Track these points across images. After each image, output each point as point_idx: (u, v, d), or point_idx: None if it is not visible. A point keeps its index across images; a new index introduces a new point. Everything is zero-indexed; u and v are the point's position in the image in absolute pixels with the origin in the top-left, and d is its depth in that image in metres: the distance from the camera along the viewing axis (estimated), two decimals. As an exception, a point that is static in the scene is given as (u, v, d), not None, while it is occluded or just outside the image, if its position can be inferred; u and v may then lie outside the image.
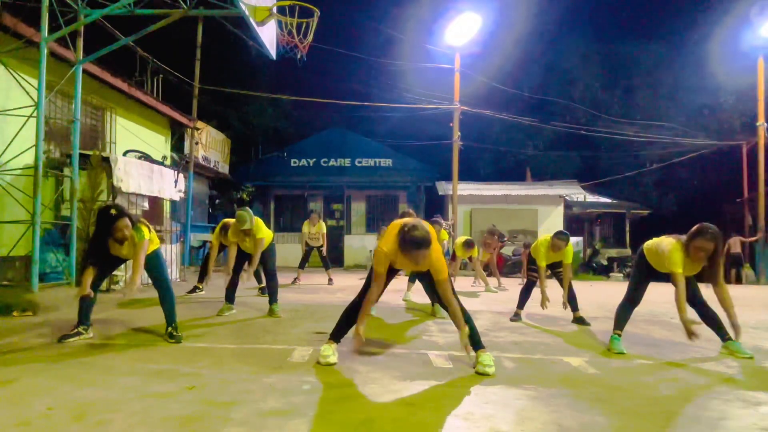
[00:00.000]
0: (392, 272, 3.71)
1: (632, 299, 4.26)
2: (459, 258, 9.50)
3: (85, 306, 4.17)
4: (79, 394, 2.71)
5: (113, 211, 3.93)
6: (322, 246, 9.68)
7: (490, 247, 11.65)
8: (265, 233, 5.66)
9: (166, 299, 4.23)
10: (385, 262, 3.41)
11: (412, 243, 3.23)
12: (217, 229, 7.12)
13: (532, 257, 5.85)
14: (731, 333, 4.01)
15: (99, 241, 4.03)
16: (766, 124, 14.99)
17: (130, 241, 4.02)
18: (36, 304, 5.50)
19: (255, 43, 8.42)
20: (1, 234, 7.00)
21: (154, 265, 4.25)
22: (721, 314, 4.17)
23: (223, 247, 7.42)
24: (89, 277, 4.01)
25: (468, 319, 3.55)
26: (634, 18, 26.61)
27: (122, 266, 7.20)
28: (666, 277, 4.15)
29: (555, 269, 5.75)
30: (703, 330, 4.43)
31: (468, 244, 9.17)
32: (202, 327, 4.86)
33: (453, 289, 3.54)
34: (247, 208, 5.80)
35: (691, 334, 3.70)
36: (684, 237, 3.89)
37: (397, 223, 3.52)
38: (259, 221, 5.65)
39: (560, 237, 5.51)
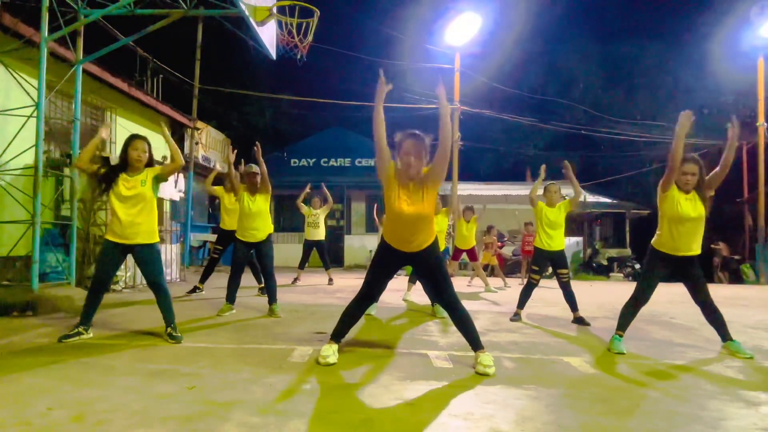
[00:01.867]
0: (392, 270, 3.71)
1: (639, 299, 4.18)
2: (461, 229, 9.13)
3: (90, 306, 4.17)
4: (79, 394, 2.71)
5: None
6: (322, 241, 9.54)
7: (491, 248, 11.64)
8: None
9: (163, 300, 4.21)
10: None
11: (407, 133, 3.40)
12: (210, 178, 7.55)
13: (534, 255, 5.82)
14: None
15: (120, 163, 4.20)
16: (766, 124, 15.00)
17: (140, 178, 4.14)
18: (36, 304, 5.50)
19: (255, 43, 8.40)
20: (1, 234, 7.00)
21: (151, 261, 4.18)
22: (725, 314, 4.17)
23: (225, 244, 7.38)
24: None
25: (467, 320, 3.55)
26: (634, 18, 26.64)
27: (122, 266, 7.24)
28: (671, 279, 4.13)
29: (557, 269, 5.73)
30: (704, 330, 4.45)
31: (468, 209, 9.09)
32: (202, 327, 4.86)
33: (453, 291, 3.54)
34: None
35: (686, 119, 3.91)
36: None
37: None
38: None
39: (550, 184, 5.72)
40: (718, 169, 4.05)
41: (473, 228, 9.27)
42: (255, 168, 5.73)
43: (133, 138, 4.23)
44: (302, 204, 9.26)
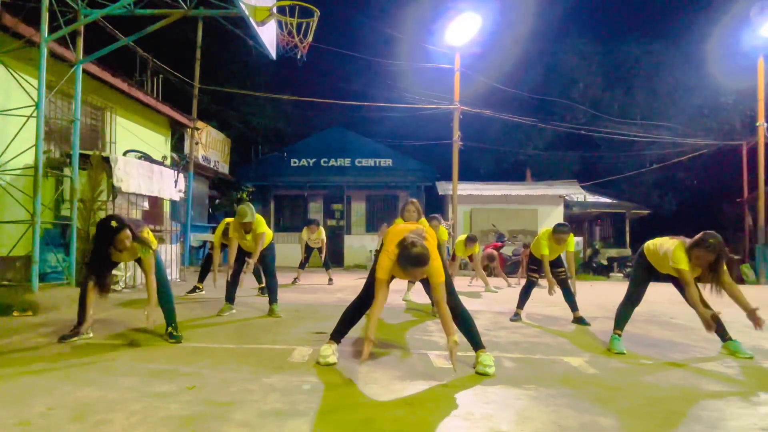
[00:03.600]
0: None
1: (632, 299, 4.25)
2: (459, 258, 9.52)
3: (85, 306, 4.16)
4: (79, 394, 2.71)
5: (114, 224, 3.87)
6: (322, 247, 9.77)
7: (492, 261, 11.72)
8: (265, 229, 5.67)
9: (165, 299, 4.21)
10: (387, 269, 3.34)
11: (409, 260, 3.19)
12: (219, 229, 6.96)
13: (533, 256, 5.85)
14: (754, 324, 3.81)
15: (100, 253, 3.98)
16: (766, 124, 14.98)
17: (131, 250, 4.01)
18: (36, 304, 5.50)
19: (255, 43, 8.41)
20: (1, 234, 7.00)
21: (152, 265, 4.19)
22: (725, 313, 4.17)
23: (224, 247, 7.36)
24: (92, 297, 3.98)
25: (468, 319, 3.55)
26: (634, 18, 26.65)
27: (122, 266, 7.24)
28: (666, 278, 4.15)
29: (555, 268, 5.74)
30: (704, 330, 4.44)
31: (470, 240, 9.15)
32: (202, 327, 4.86)
33: (453, 291, 3.54)
34: (248, 202, 5.78)
35: (709, 326, 3.71)
36: (686, 240, 3.87)
37: (401, 230, 3.50)
38: (259, 217, 5.67)
39: (562, 230, 5.56)
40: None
41: (473, 253, 9.47)
42: (248, 216, 5.51)
43: (114, 232, 3.83)
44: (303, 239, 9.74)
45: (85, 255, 7.28)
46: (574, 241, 5.76)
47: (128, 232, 3.88)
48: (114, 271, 5.60)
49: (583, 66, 22.55)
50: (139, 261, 4.16)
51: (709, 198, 19.97)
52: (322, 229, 9.85)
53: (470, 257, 9.51)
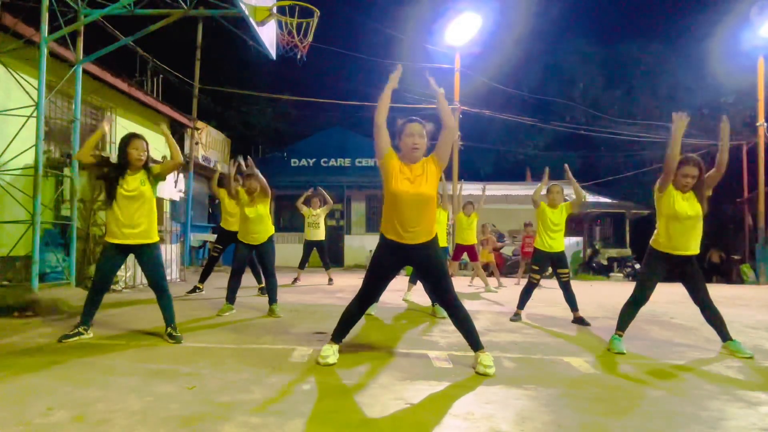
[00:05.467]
0: (391, 272, 3.67)
1: (638, 299, 4.18)
2: (461, 223, 9.05)
3: (90, 307, 4.17)
4: (79, 394, 2.71)
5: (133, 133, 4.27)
6: (322, 241, 9.51)
7: (487, 245, 11.67)
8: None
9: (164, 300, 4.21)
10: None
11: (408, 118, 3.51)
12: (214, 182, 7.82)
13: (534, 255, 5.81)
14: None
15: (120, 163, 4.17)
16: (766, 124, 14.98)
17: (139, 176, 4.13)
18: (36, 304, 5.50)
19: (255, 43, 8.40)
20: (1, 234, 6.99)
21: (152, 261, 4.18)
22: (725, 314, 4.18)
23: (225, 243, 7.40)
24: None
25: (468, 320, 3.55)
26: (634, 18, 26.65)
27: (122, 266, 7.24)
28: (670, 279, 4.14)
29: (557, 269, 5.72)
30: (704, 330, 4.45)
31: (468, 204, 9.05)
32: (202, 327, 4.86)
33: (452, 290, 3.54)
34: None
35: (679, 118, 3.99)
36: None
37: None
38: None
39: (553, 185, 5.73)
40: (713, 170, 4.11)
41: (474, 223, 9.27)
42: (255, 169, 5.73)
43: (132, 137, 4.19)
44: (302, 205, 9.33)
45: (85, 253, 7.31)
46: (569, 203, 5.76)
47: (144, 143, 4.17)
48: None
49: (583, 66, 22.57)
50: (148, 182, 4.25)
51: (708, 198, 19.98)
52: (321, 211, 9.42)
53: (471, 256, 9.47)
